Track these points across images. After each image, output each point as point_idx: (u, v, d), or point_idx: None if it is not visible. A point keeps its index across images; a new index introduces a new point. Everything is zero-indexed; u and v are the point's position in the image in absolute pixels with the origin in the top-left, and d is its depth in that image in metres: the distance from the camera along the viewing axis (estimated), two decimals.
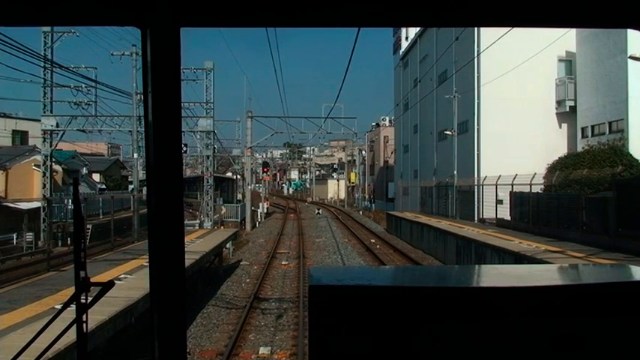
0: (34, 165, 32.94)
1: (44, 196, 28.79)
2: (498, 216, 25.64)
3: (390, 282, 1.59)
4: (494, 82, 28.19)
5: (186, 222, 29.53)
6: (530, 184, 22.54)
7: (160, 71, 1.22)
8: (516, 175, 23.52)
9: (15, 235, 28.44)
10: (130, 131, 31.38)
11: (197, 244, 19.08)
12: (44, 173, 29.27)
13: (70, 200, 29.76)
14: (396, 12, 1.29)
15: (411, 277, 1.84)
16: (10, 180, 32.79)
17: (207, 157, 33.84)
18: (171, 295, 1.23)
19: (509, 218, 24.38)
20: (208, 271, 18.43)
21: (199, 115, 31.88)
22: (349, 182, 77.71)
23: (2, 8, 1.22)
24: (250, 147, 43.08)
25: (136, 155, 32.09)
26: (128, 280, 11.95)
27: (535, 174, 22.42)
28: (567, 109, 29.56)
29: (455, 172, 31.64)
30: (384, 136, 65.16)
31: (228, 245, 24.25)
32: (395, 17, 1.34)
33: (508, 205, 24.69)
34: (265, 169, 57.03)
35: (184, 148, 38.42)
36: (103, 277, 7.40)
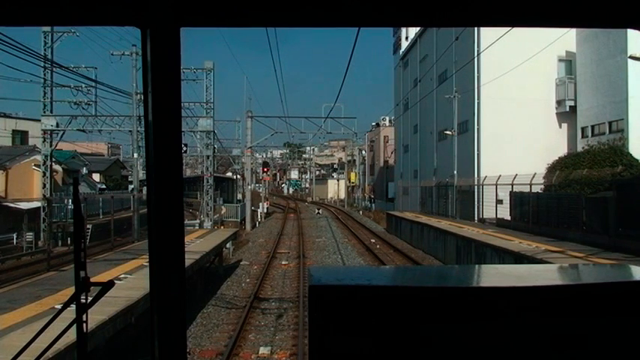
0: (34, 165, 32.92)
1: (44, 196, 28.79)
2: (498, 216, 25.64)
3: (390, 282, 1.59)
4: (495, 82, 28.19)
5: (186, 222, 29.51)
6: (530, 184, 22.54)
7: (160, 71, 1.22)
8: (516, 175, 23.53)
9: (15, 235, 28.48)
10: (130, 131, 31.39)
11: (197, 244, 19.07)
12: (44, 173, 29.27)
13: (70, 200, 29.78)
14: (396, 12, 1.29)
15: (411, 277, 1.83)
16: (10, 180, 32.77)
17: (207, 157, 33.84)
18: (171, 295, 1.23)
19: (509, 218, 24.39)
20: (208, 271, 18.43)
21: (199, 115, 31.90)
22: (349, 182, 77.72)
23: (2, 8, 1.22)
24: (250, 147, 43.10)
25: (136, 155, 32.08)
26: (128, 280, 11.96)
27: (535, 174, 22.42)
28: (567, 109, 29.57)
29: (455, 172, 31.64)
30: (384, 136, 65.20)
31: (228, 245, 24.24)
32: (395, 17, 1.34)
33: (508, 205, 24.69)
34: (265, 169, 57.08)
35: (184, 148, 38.41)
36: (103, 277, 7.41)
